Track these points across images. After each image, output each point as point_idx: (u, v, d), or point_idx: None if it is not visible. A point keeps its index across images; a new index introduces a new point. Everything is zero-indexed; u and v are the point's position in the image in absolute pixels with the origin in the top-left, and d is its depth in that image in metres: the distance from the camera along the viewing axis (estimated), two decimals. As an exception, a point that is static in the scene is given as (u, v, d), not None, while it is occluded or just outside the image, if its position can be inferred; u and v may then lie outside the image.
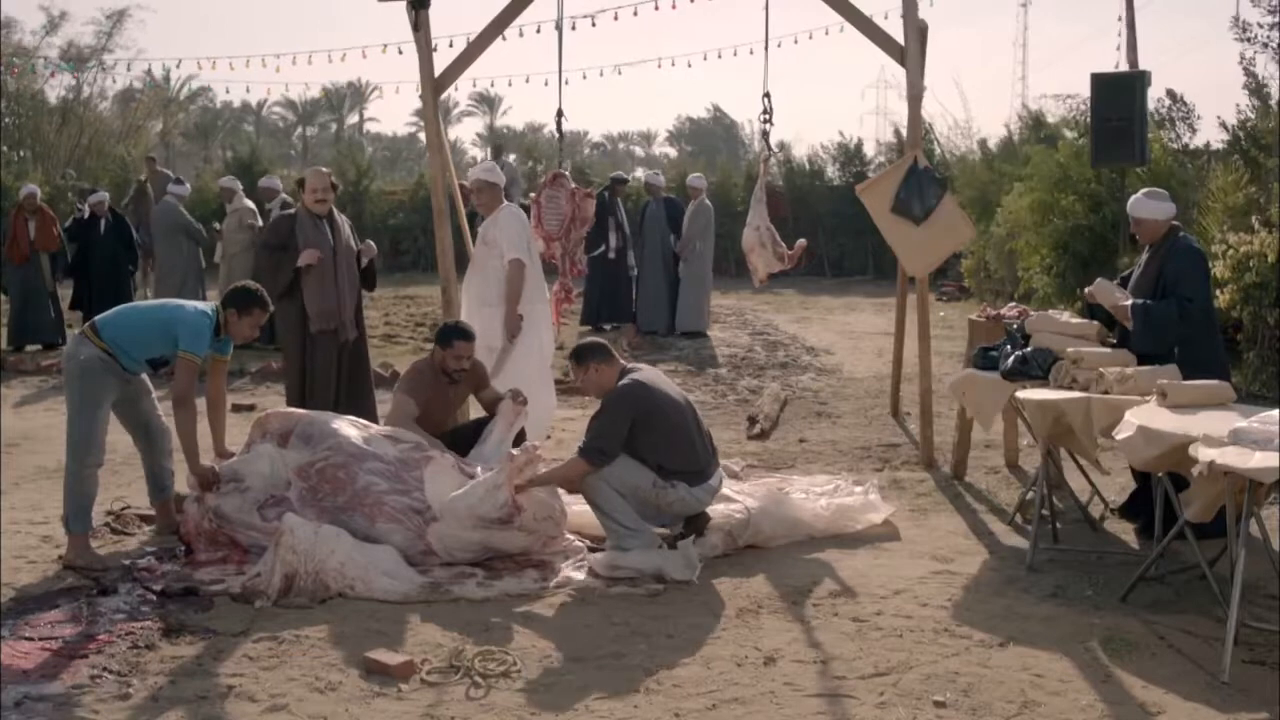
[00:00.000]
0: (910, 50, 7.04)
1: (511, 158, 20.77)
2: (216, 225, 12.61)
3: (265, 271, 6.80)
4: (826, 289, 18.57)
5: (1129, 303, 5.67)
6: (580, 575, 5.13)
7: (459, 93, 55.50)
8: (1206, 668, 4.10)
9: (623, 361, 5.53)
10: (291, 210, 7.16)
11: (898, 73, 7.40)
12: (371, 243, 7.18)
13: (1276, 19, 10.67)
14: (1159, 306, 5.58)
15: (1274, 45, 10.98)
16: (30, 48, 29.03)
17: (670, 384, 5.64)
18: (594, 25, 12.32)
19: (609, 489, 5.21)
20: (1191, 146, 12.65)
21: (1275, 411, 4.22)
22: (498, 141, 19.17)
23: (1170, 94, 12.99)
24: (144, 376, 5.64)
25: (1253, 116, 10.61)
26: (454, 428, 6.21)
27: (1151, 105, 12.81)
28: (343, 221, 6.93)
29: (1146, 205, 5.79)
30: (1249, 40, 11.21)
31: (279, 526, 5.00)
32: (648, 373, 5.54)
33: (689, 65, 31.92)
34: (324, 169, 7.22)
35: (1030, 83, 60.19)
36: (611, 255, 13.08)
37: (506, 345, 6.89)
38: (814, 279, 19.21)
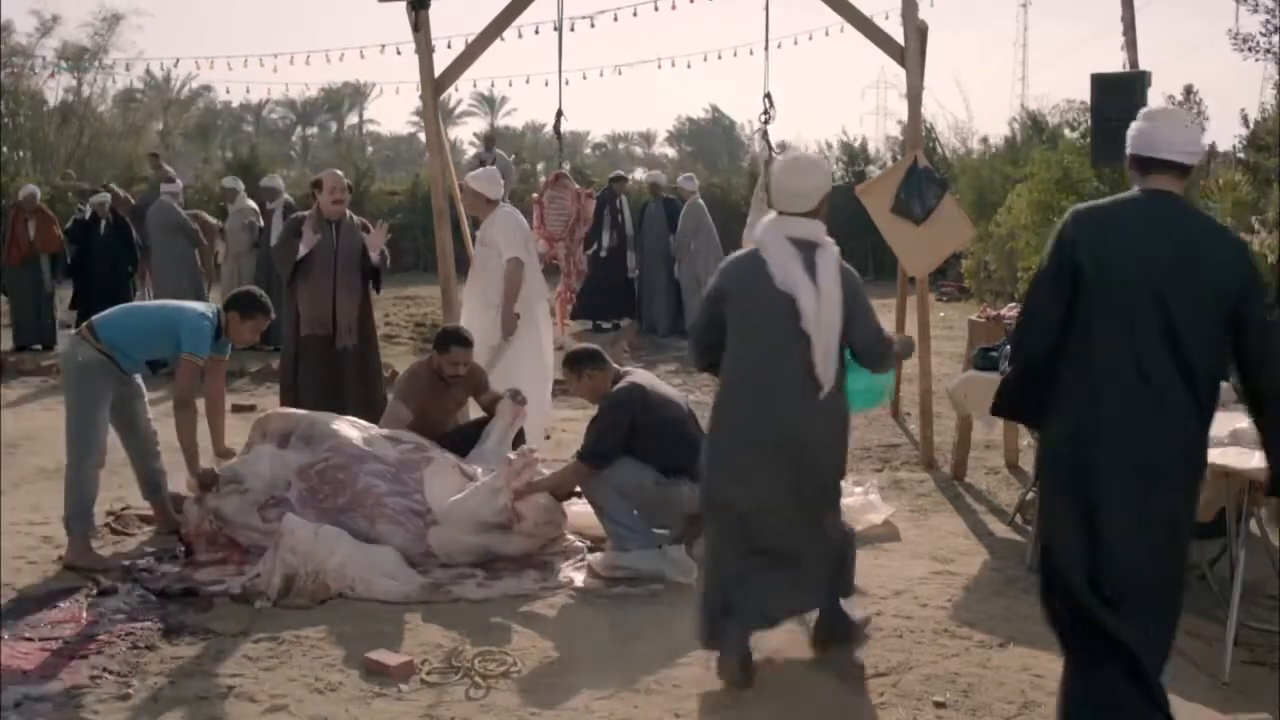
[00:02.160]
0: (910, 50, 7.04)
1: (510, 157, 20.74)
2: (219, 225, 12.60)
3: (280, 264, 6.86)
4: (827, 289, 18.53)
5: None
6: (580, 575, 5.13)
7: (459, 93, 55.46)
8: (1206, 668, 4.10)
9: (616, 366, 5.55)
10: (302, 214, 7.16)
11: (898, 73, 7.39)
12: (377, 240, 6.89)
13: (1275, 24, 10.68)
14: None
15: (1275, 51, 10.99)
16: (27, 47, 29.05)
17: (666, 385, 5.66)
18: (593, 26, 12.24)
19: (611, 489, 5.21)
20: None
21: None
22: (489, 134, 19.06)
23: (1187, 90, 12.95)
24: (138, 378, 5.64)
25: (1272, 114, 10.59)
26: (454, 428, 6.21)
27: (1161, 103, 12.77)
28: (355, 225, 6.91)
29: None
30: (1250, 49, 11.20)
31: (279, 527, 5.00)
32: (642, 375, 5.56)
33: (689, 66, 31.83)
34: (338, 172, 7.24)
35: (1030, 83, 60.10)
36: (603, 254, 13.10)
37: (502, 344, 6.89)
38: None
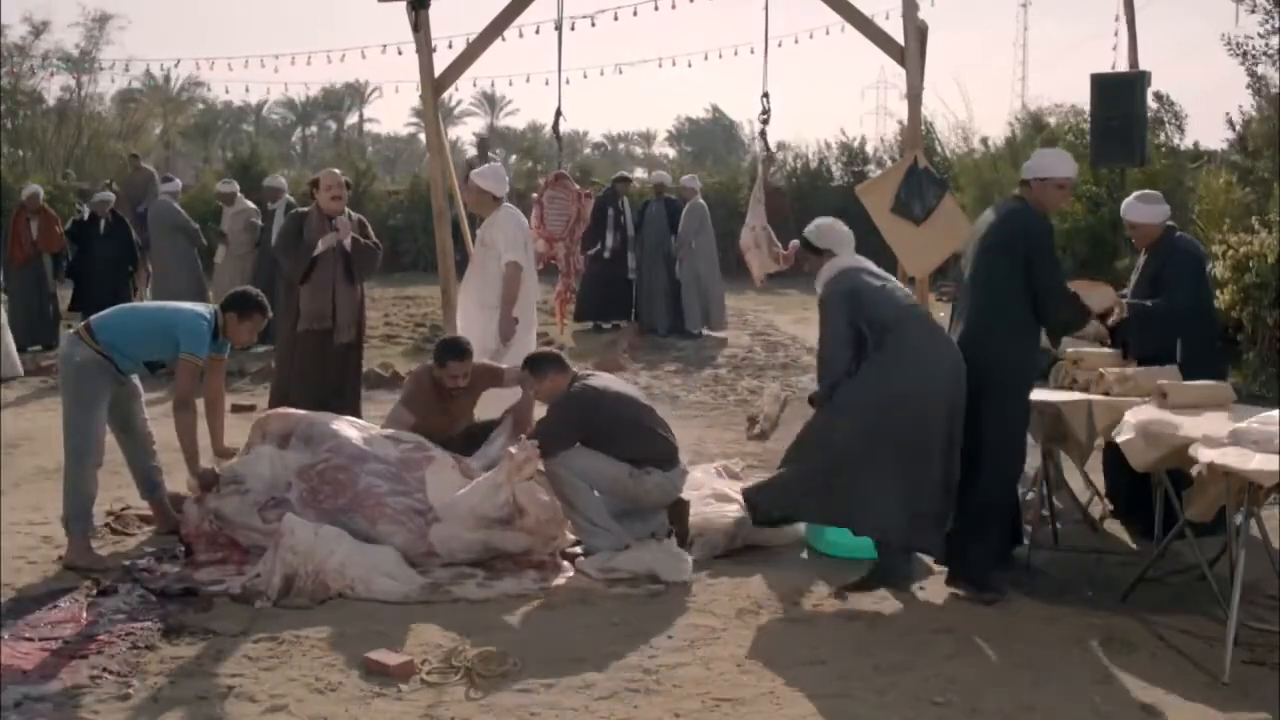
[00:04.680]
0: (910, 50, 7.03)
1: (507, 157, 20.76)
2: (218, 228, 12.58)
3: (284, 263, 6.86)
4: (827, 289, 18.51)
5: (1126, 302, 5.69)
6: (582, 575, 5.13)
7: (459, 93, 55.46)
8: (1206, 668, 4.11)
9: (574, 371, 5.70)
10: (303, 210, 7.16)
11: (898, 73, 7.39)
12: (346, 224, 6.85)
13: (1272, 26, 10.69)
14: (1154, 307, 5.60)
15: (1273, 51, 11.00)
16: (24, 47, 29.04)
17: (621, 383, 5.90)
18: (594, 25, 12.27)
19: (583, 484, 5.29)
20: (1182, 147, 12.68)
21: (1275, 412, 4.22)
22: (483, 138, 19.07)
23: (1157, 96, 13.06)
24: (135, 379, 5.64)
25: (1256, 116, 10.62)
26: (463, 428, 6.19)
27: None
28: (352, 223, 6.90)
29: (1139, 209, 5.81)
30: (1245, 54, 11.23)
31: (279, 527, 5.00)
32: (598, 377, 5.77)
33: (689, 65, 31.97)
34: (337, 170, 7.24)
35: (1030, 83, 60.17)
36: (606, 255, 13.09)
37: (500, 348, 6.89)
38: (815, 279, 19.18)
